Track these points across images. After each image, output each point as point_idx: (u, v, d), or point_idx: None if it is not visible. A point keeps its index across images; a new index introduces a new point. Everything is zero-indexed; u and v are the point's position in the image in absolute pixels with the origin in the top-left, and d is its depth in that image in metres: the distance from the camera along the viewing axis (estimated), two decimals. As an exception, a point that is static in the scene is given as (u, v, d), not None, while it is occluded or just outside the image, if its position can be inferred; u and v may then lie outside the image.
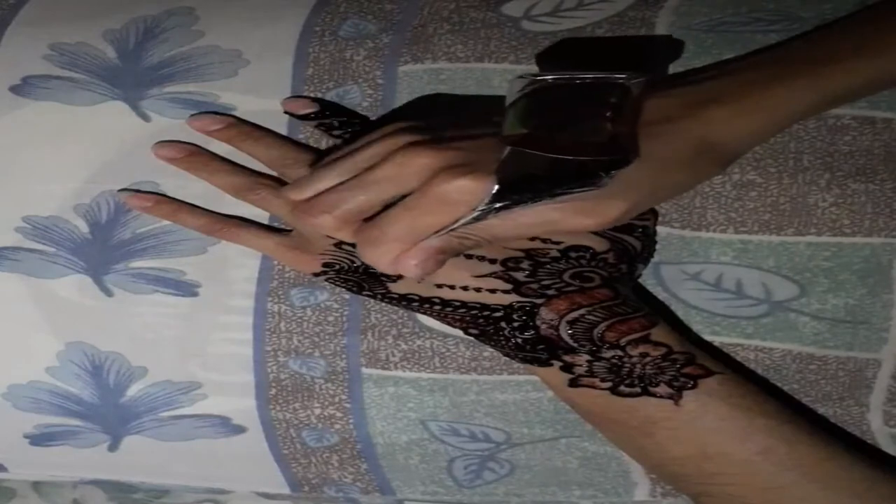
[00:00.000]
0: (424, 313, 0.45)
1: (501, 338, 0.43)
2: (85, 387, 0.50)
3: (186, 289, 0.48)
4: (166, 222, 0.48)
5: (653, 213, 0.46)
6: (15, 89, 0.50)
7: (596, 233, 0.43)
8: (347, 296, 0.48)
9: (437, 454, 0.50)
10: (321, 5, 0.51)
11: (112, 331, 0.49)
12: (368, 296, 0.45)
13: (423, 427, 0.49)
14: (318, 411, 0.49)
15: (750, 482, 0.42)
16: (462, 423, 0.49)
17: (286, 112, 0.49)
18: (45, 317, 0.49)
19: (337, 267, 0.45)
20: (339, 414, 0.49)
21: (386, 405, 0.49)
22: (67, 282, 0.49)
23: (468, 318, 0.44)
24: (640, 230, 0.45)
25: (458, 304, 0.43)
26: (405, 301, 0.44)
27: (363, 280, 0.45)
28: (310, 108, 0.48)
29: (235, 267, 0.48)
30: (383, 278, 0.44)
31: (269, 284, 0.48)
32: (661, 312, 0.45)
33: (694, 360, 0.42)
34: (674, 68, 0.47)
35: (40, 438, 0.52)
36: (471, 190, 0.39)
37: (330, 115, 0.48)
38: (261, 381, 0.49)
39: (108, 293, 0.49)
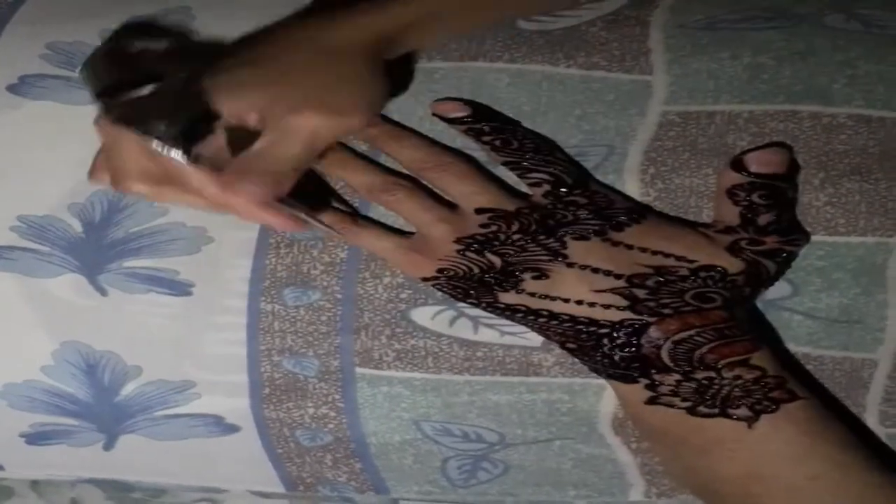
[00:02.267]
0: (526, 325, 0.45)
1: (598, 354, 0.43)
2: (80, 386, 0.50)
3: (180, 288, 0.49)
4: (159, 221, 0.48)
5: (805, 238, 0.45)
6: (11, 88, 0.50)
7: (736, 255, 0.43)
8: (340, 295, 0.48)
9: (431, 454, 0.50)
10: None
11: (106, 330, 0.49)
12: (471, 303, 0.45)
13: (416, 427, 0.49)
14: (311, 411, 0.49)
15: None
16: (455, 423, 0.49)
17: (434, 114, 0.47)
18: (39, 316, 0.49)
19: (450, 273, 0.45)
20: (332, 413, 0.49)
21: (379, 405, 0.49)
22: (62, 281, 0.49)
23: (570, 333, 0.43)
24: (786, 255, 0.44)
25: (566, 317, 0.43)
26: (509, 311, 0.44)
27: (472, 287, 0.45)
28: (461, 112, 0.47)
29: (229, 266, 0.48)
30: (496, 288, 0.44)
31: (263, 284, 0.48)
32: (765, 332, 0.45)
33: (783, 385, 0.42)
34: (666, 66, 0.47)
35: (36, 437, 0.52)
36: None
37: (481, 119, 0.47)
38: (254, 381, 0.49)
39: (103, 292, 0.49)
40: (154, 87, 0.42)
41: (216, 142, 0.42)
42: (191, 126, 0.42)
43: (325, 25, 0.44)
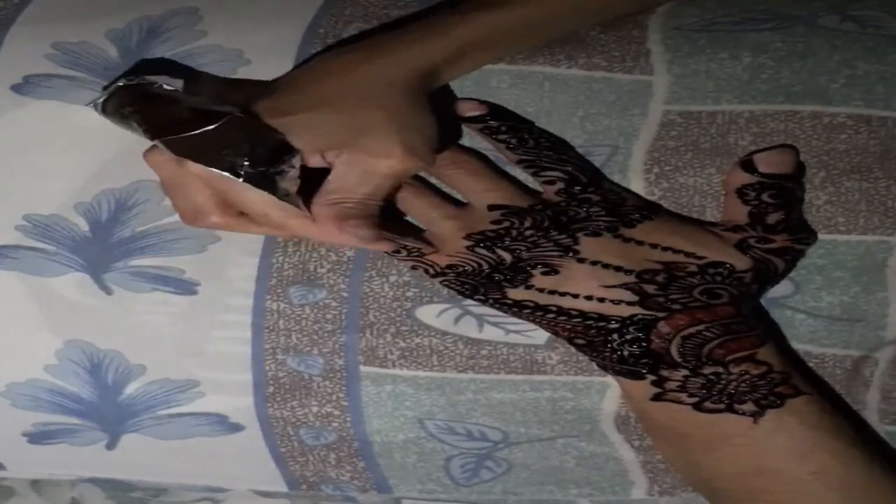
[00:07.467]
0: (534, 321, 0.45)
1: (607, 350, 0.43)
2: (83, 385, 0.50)
3: (185, 287, 0.49)
4: (166, 220, 0.49)
5: (813, 236, 0.45)
6: (16, 88, 0.50)
7: (743, 251, 0.44)
8: (346, 294, 0.48)
9: (434, 452, 0.50)
10: (326, 8, 0.52)
11: (111, 329, 0.49)
12: (479, 300, 0.45)
13: (420, 425, 0.49)
14: (315, 409, 0.49)
15: (794, 500, 0.42)
16: (459, 421, 0.49)
17: None
18: (44, 315, 0.49)
19: (460, 269, 0.45)
20: (336, 412, 0.49)
21: (383, 403, 0.49)
22: (67, 280, 0.49)
23: (580, 329, 0.44)
24: (794, 253, 0.44)
25: (575, 313, 0.43)
26: (517, 307, 0.45)
27: (481, 284, 0.45)
28: (479, 111, 0.47)
29: (234, 265, 0.48)
30: (504, 284, 0.45)
31: (268, 282, 0.48)
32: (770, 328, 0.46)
33: (788, 380, 0.42)
34: (666, 66, 0.47)
35: (38, 437, 0.52)
36: None
37: (496, 118, 0.47)
38: (259, 380, 0.49)
39: (108, 291, 0.49)
40: (219, 123, 0.42)
41: (293, 177, 0.43)
42: (275, 163, 0.42)
43: (375, 61, 0.44)
